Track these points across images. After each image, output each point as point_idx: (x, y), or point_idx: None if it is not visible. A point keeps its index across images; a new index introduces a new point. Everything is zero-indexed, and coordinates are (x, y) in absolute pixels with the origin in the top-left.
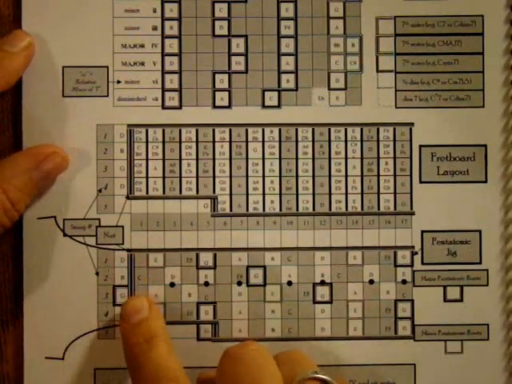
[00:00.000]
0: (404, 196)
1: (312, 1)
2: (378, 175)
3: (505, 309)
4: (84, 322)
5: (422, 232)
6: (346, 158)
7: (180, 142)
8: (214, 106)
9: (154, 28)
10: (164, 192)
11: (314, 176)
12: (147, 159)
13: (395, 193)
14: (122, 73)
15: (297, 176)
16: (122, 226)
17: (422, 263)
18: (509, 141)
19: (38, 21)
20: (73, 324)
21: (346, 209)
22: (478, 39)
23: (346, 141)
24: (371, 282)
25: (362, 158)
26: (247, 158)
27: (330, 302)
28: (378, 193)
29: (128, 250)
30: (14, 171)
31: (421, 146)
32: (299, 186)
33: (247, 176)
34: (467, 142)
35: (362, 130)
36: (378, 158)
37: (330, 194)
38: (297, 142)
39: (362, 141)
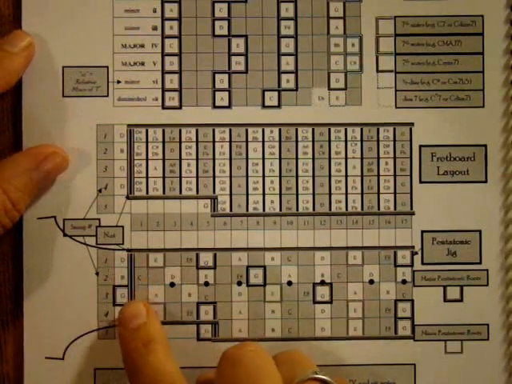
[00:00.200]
0: (404, 196)
1: (312, 1)
2: (378, 175)
3: (505, 309)
4: (84, 322)
5: (422, 232)
6: (346, 158)
7: (180, 141)
8: (214, 106)
9: (154, 28)
10: (164, 192)
11: (313, 176)
12: (147, 159)
13: (395, 193)
14: (122, 73)
15: (297, 176)
16: (122, 226)
17: (422, 263)
18: (509, 141)
19: (38, 21)
20: (73, 324)
21: (346, 209)
22: (477, 39)
23: (345, 141)
24: (371, 281)
25: (361, 158)
26: (247, 158)
27: (330, 302)
28: (378, 193)
29: (128, 250)
30: (14, 171)
31: (421, 146)
32: (299, 186)
33: (247, 176)
34: (467, 142)
35: (361, 130)
36: (378, 158)
37: (329, 194)
38: (297, 142)
39: (361, 141)
